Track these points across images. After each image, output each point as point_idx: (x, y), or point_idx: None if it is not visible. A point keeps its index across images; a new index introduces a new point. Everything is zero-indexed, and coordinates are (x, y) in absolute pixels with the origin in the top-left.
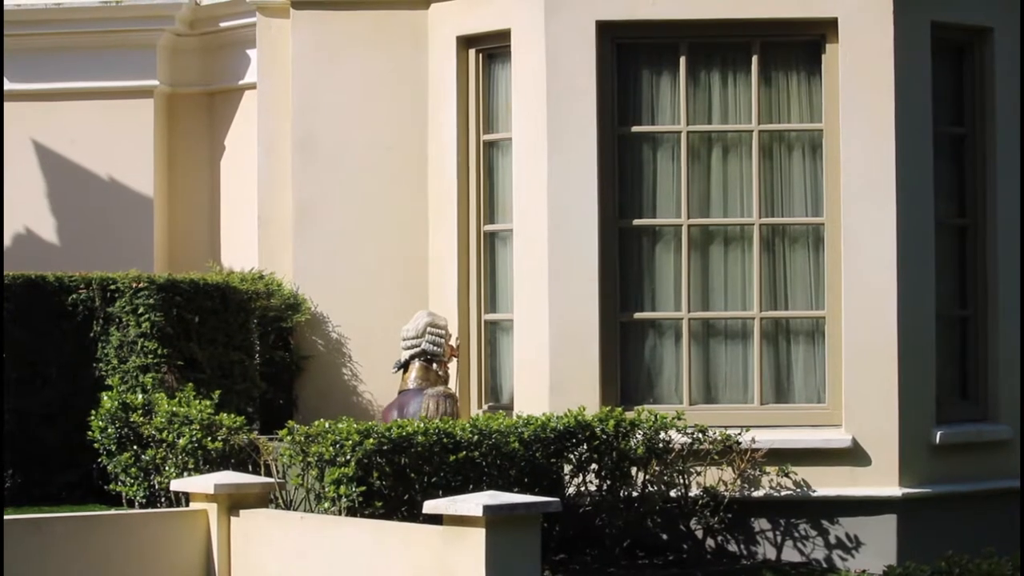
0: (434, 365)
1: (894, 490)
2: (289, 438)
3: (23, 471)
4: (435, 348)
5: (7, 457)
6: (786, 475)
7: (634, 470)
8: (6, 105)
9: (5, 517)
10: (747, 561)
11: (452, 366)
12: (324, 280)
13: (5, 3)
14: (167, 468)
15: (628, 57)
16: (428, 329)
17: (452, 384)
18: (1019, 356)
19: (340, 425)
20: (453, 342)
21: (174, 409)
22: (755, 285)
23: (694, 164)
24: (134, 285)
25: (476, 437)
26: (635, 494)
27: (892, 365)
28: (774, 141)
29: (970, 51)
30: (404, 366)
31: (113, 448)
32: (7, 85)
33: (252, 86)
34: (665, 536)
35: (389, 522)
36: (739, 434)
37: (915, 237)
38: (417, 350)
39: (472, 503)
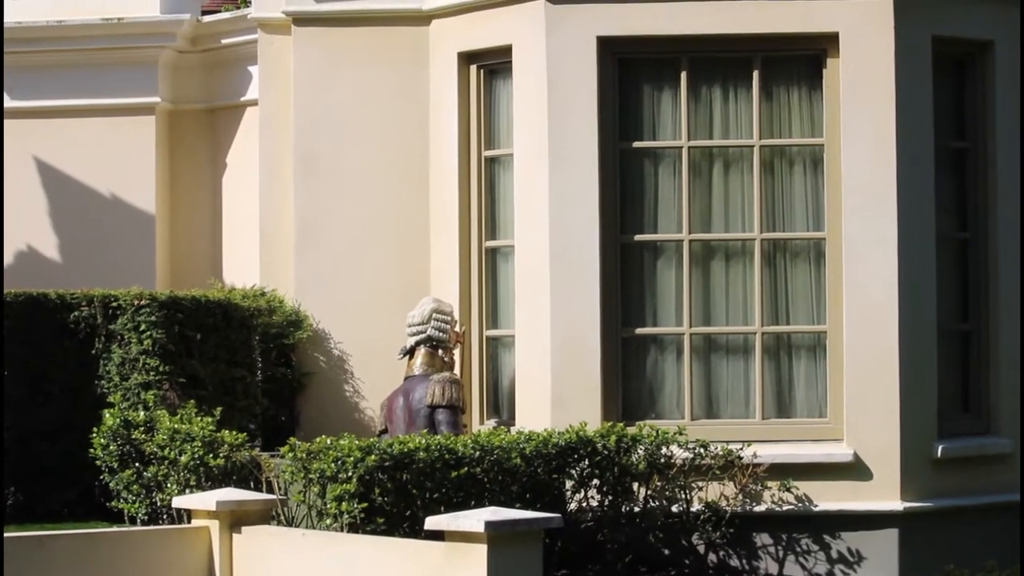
0: (440, 351)
1: (896, 504)
2: (291, 455)
3: (25, 488)
4: (440, 334)
5: (9, 474)
6: (788, 490)
7: (636, 485)
8: (8, 122)
9: (8, 534)
10: None
11: (458, 352)
12: (326, 297)
13: (6, 21)
14: (169, 485)
15: (629, 72)
16: (434, 315)
17: (457, 370)
18: (1020, 369)
19: (342, 442)
20: (458, 328)
21: (176, 426)
22: (756, 300)
23: (695, 179)
24: (136, 302)
25: (478, 453)
26: (637, 509)
27: (893, 379)
28: (775, 156)
29: (971, 64)
30: (410, 352)
31: (115, 465)
32: (9, 103)
33: (254, 103)
34: (667, 551)
35: (391, 538)
36: (741, 449)
37: (916, 251)
38: (423, 336)
39: (474, 519)
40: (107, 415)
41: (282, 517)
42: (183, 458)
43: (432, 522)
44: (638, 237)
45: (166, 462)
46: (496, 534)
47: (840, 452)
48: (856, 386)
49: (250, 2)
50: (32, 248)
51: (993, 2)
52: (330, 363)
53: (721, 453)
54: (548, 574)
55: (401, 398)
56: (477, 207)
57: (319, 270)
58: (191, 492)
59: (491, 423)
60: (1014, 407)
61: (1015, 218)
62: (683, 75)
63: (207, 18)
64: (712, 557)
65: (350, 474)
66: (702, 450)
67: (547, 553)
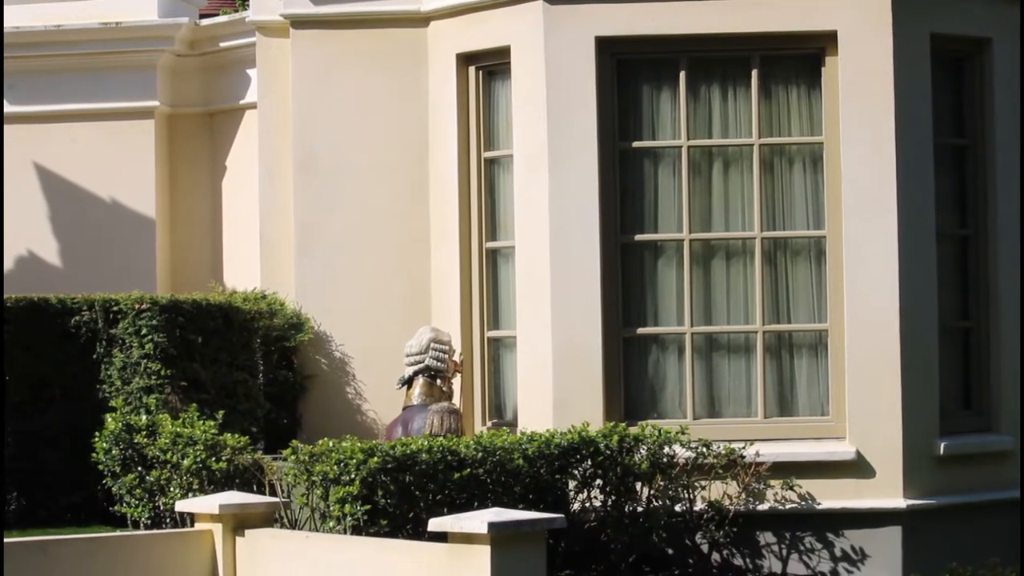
0: (438, 381)
1: (899, 502)
2: (293, 457)
3: (27, 493)
4: (439, 364)
5: (11, 480)
6: (791, 488)
7: (639, 485)
8: (7, 127)
9: (10, 540)
10: (753, 575)
11: (456, 382)
12: (327, 299)
13: (5, 26)
14: (172, 489)
15: (628, 72)
16: (432, 345)
17: (456, 400)
18: (1020, 367)
19: (344, 444)
20: (457, 358)
21: (178, 430)
22: (757, 299)
23: (695, 178)
24: (137, 306)
25: (480, 454)
26: (640, 509)
27: (895, 377)
28: (775, 155)
29: (970, 62)
30: (408, 382)
31: (118, 469)
32: (8, 107)
33: (253, 106)
34: (670, 551)
35: (394, 540)
36: (743, 448)
37: (916, 248)
38: (421, 366)
39: (477, 520)
40: (109, 419)
41: (285, 520)
42: (185, 462)
43: (435, 523)
44: (638, 237)
45: (168, 466)
46: (499, 535)
47: (843, 450)
48: (858, 384)
49: (248, 5)
50: (32, 253)
51: (991, 0)
52: (332, 365)
53: (724, 452)
54: (552, 575)
55: (400, 428)
56: (477, 208)
57: (320, 272)
58: (194, 496)
59: (493, 424)
60: (1015, 404)
61: (1015, 215)
62: (682, 74)
63: (205, 21)
64: (716, 556)
65: (353, 476)
66: (704, 449)
67: (551, 554)
